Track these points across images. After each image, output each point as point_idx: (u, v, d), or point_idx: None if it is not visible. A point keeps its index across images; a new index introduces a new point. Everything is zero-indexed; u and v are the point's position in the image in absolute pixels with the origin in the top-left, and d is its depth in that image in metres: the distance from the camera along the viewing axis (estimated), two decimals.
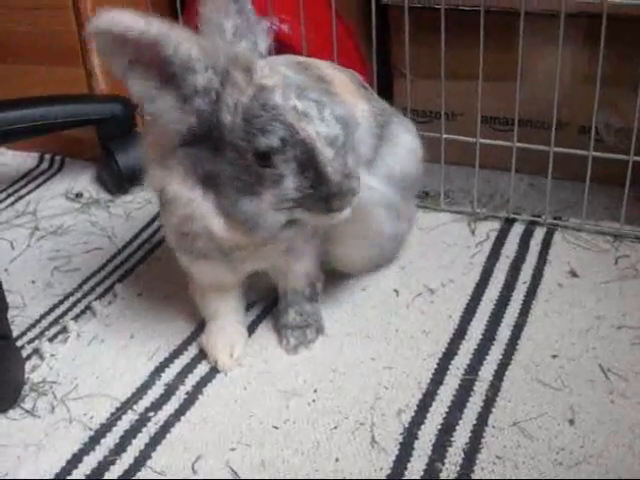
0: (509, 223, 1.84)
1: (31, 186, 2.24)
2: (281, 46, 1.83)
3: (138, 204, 2.07)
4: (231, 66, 1.17)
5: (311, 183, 1.18)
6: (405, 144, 1.57)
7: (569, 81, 1.88)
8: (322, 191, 1.18)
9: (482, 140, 1.80)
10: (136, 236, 1.92)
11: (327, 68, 1.49)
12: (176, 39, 1.12)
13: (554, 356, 1.43)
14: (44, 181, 2.26)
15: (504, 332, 1.50)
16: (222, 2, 1.24)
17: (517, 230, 1.81)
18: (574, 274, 1.64)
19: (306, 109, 1.17)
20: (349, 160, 1.20)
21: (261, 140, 1.15)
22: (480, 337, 1.49)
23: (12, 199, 2.17)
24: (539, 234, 1.79)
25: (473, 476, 1.21)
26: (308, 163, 1.17)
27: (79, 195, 2.15)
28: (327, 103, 1.20)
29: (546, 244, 1.75)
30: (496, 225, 1.83)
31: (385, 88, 1.91)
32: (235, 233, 1.23)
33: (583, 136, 1.92)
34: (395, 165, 1.53)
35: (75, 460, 1.31)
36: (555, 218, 1.82)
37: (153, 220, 1.99)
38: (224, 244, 1.28)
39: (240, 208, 1.20)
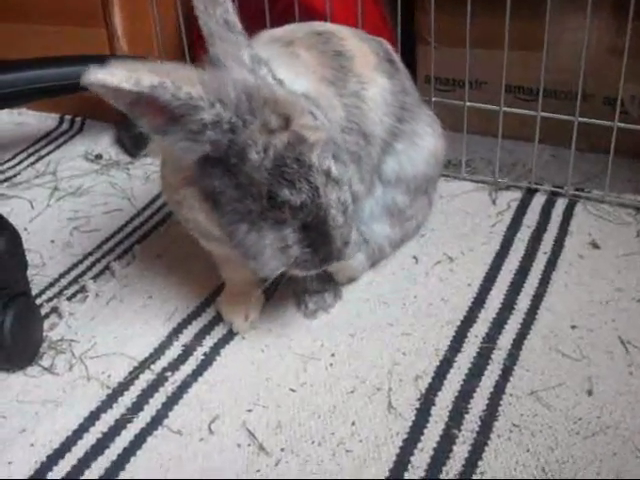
0: (531, 193, 1.82)
1: (51, 147, 2.24)
2: (307, 11, 1.82)
3: (157, 166, 2.05)
4: (264, 106, 1.13)
5: (310, 242, 1.19)
6: (424, 147, 1.54)
7: (595, 52, 1.85)
8: (320, 253, 1.19)
9: (506, 109, 1.78)
10: (155, 198, 1.92)
11: (350, 38, 1.47)
12: (173, 85, 1.07)
13: (573, 327, 1.43)
14: (64, 142, 2.27)
15: (523, 301, 1.49)
16: (232, 38, 1.21)
17: (539, 200, 1.80)
18: (595, 245, 1.63)
19: (338, 175, 1.17)
20: (353, 229, 1.23)
21: (285, 192, 1.13)
22: (499, 306, 1.49)
23: (32, 159, 2.18)
24: (561, 205, 1.77)
25: (490, 443, 1.21)
26: (316, 225, 1.18)
27: (99, 157, 2.15)
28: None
29: (568, 215, 1.74)
30: (517, 195, 1.82)
31: (408, 55, 1.89)
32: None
33: (608, 107, 1.90)
34: (408, 167, 1.52)
35: (92, 417, 1.32)
36: (577, 189, 1.80)
37: None
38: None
39: (239, 234, 1.19)
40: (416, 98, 1.57)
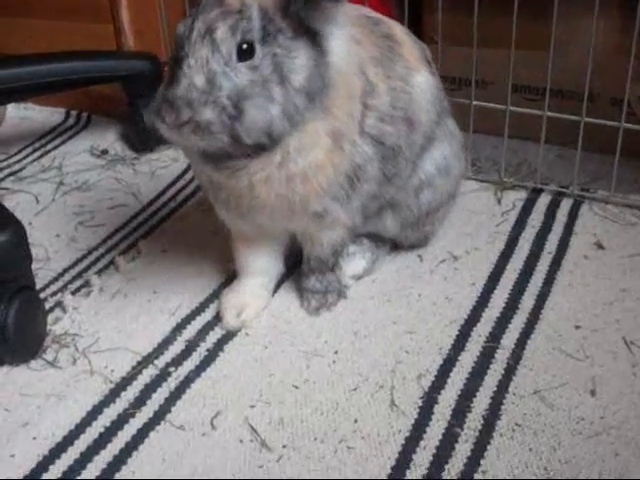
0: (536, 193, 1.82)
1: (57, 141, 2.25)
2: None
3: (163, 162, 2.07)
4: None
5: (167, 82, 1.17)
6: (440, 167, 1.52)
7: (602, 52, 1.85)
8: (167, 94, 1.15)
9: (512, 108, 1.78)
10: (161, 194, 1.93)
11: (397, 27, 1.45)
12: None
13: (577, 327, 1.43)
14: (70, 137, 2.27)
15: (527, 301, 1.49)
16: None
17: (544, 200, 1.80)
18: (600, 246, 1.63)
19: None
20: (208, 97, 1.13)
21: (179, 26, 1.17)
22: (503, 305, 1.48)
23: (38, 153, 2.18)
24: (566, 205, 1.77)
25: (492, 442, 1.21)
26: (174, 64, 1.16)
27: (105, 152, 2.15)
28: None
29: (573, 215, 1.74)
30: (523, 195, 1.82)
31: None
32: None
33: (615, 108, 1.90)
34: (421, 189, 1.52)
35: (95, 412, 1.32)
36: (583, 190, 1.80)
37: (178, 178, 1.99)
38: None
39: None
40: (447, 104, 1.55)
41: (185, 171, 2.01)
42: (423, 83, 1.43)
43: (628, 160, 1.78)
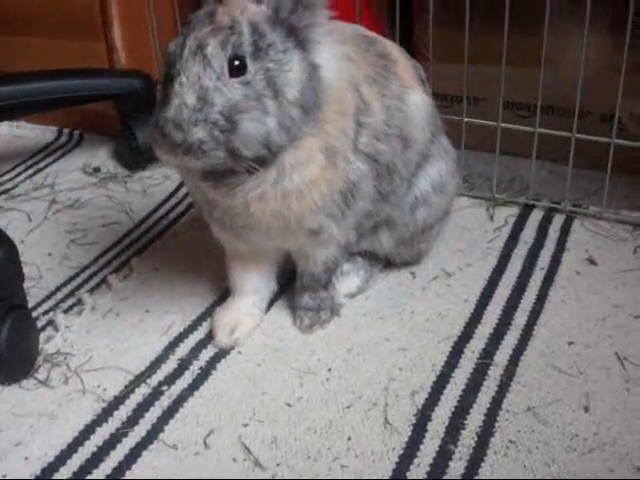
0: (528, 209, 1.83)
1: (49, 159, 2.24)
2: None
3: (156, 180, 2.07)
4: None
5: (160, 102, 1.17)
6: (435, 185, 1.52)
7: (593, 68, 1.86)
8: (160, 114, 1.15)
9: (504, 124, 1.79)
10: (153, 212, 1.93)
11: (392, 47, 1.46)
12: None
13: (570, 343, 1.43)
14: (62, 155, 2.27)
15: (520, 317, 1.49)
16: None
17: (536, 216, 1.80)
18: (592, 262, 1.63)
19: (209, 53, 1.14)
20: (201, 122, 1.13)
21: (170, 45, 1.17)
22: (496, 322, 1.48)
23: (30, 172, 2.18)
24: (558, 221, 1.78)
25: (486, 459, 1.20)
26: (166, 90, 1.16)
27: (97, 170, 2.15)
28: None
29: (565, 231, 1.74)
30: (515, 211, 1.83)
31: None
32: None
33: (605, 124, 1.90)
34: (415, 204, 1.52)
35: (87, 431, 1.31)
36: (575, 205, 1.81)
37: (170, 196, 1.99)
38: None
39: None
40: (440, 122, 1.55)
41: (177, 189, 2.01)
42: (418, 101, 1.43)
43: (619, 176, 1.79)
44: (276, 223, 1.30)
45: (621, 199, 1.83)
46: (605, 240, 1.71)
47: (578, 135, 1.72)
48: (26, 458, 1.27)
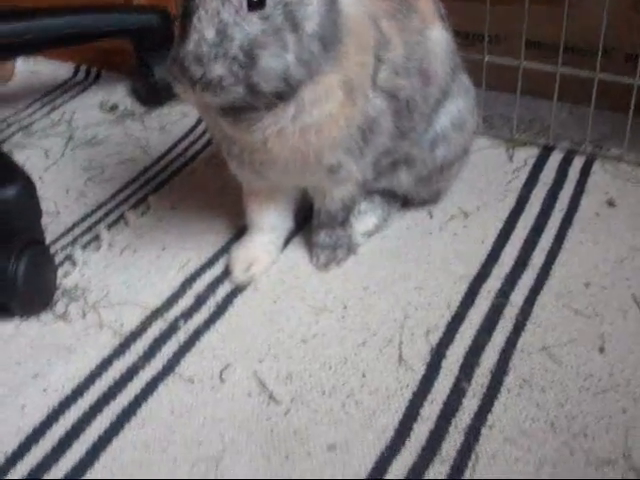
0: (548, 150, 1.81)
1: (66, 96, 2.23)
2: None
3: (173, 117, 2.06)
4: None
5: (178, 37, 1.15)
6: (455, 122, 1.51)
7: (618, 7, 1.82)
8: (179, 50, 1.13)
9: (526, 63, 1.76)
10: (170, 149, 1.92)
11: None
12: None
13: (587, 284, 1.42)
14: (79, 92, 2.26)
15: (537, 258, 1.48)
16: None
17: (556, 158, 1.78)
18: (611, 204, 1.62)
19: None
20: (221, 54, 1.11)
21: None
22: (513, 262, 1.48)
23: (47, 108, 2.17)
24: (578, 163, 1.76)
25: (499, 397, 1.21)
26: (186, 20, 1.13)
27: (114, 107, 2.14)
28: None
29: (585, 173, 1.72)
30: (535, 152, 1.81)
31: None
32: None
33: (629, 64, 1.87)
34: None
35: (105, 364, 1.33)
36: (595, 147, 1.79)
37: (188, 133, 1.98)
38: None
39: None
40: (459, 60, 1.52)
41: (195, 126, 2.00)
42: (438, 37, 1.41)
43: None
44: (294, 159, 1.29)
45: None
46: (625, 183, 1.69)
47: (601, 75, 1.69)
48: (44, 390, 1.29)
